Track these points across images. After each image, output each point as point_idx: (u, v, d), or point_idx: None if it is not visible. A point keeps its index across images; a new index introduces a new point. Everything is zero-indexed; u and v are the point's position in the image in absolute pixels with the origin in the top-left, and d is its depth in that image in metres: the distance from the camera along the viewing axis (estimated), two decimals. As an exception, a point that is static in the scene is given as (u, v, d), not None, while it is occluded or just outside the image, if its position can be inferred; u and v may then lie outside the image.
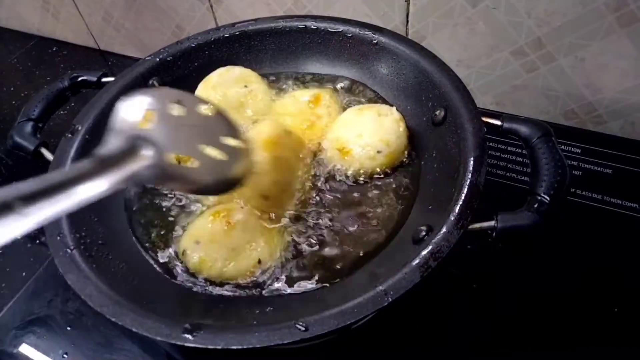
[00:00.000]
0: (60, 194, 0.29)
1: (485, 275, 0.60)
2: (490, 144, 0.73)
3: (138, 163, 0.35)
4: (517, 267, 0.60)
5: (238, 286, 0.49)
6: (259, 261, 0.49)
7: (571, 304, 0.56)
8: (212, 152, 0.41)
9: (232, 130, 0.44)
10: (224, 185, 0.42)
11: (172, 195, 0.57)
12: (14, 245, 0.70)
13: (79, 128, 0.56)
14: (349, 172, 0.56)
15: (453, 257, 0.59)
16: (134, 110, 0.37)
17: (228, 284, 0.49)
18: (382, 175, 0.56)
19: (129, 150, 0.35)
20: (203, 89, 0.64)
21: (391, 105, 0.61)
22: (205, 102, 0.43)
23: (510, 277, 0.59)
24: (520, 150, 0.73)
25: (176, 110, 0.40)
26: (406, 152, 0.58)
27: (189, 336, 0.39)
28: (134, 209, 0.56)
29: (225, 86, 0.63)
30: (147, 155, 0.35)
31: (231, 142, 0.43)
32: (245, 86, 0.63)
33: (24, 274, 0.68)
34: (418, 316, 0.56)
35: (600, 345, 0.53)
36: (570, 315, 0.55)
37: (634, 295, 0.56)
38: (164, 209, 0.56)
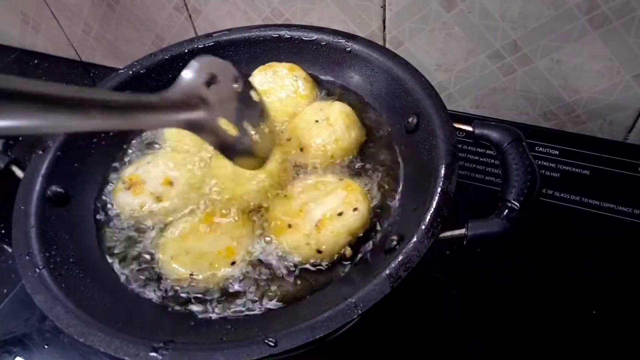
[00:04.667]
0: (122, 113, 0.32)
1: (466, 279, 0.60)
2: (468, 147, 0.72)
3: (194, 114, 0.41)
4: (496, 270, 0.60)
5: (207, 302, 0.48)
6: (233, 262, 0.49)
7: (550, 306, 0.56)
8: (250, 129, 0.48)
9: (267, 119, 0.52)
10: (246, 160, 0.49)
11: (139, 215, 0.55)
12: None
13: (50, 144, 0.55)
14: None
15: (434, 261, 0.60)
16: (201, 70, 0.43)
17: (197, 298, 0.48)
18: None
19: (189, 102, 0.41)
20: None
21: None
22: (255, 89, 0.51)
23: (489, 280, 0.59)
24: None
25: (233, 84, 0.47)
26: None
27: (157, 355, 0.39)
28: (105, 226, 0.55)
29: None
30: (202, 112, 0.42)
31: (265, 128, 0.51)
32: None
33: (4, 290, 0.67)
34: (401, 320, 0.56)
35: (580, 348, 0.53)
36: (549, 318, 0.55)
37: (612, 297, 0.56)
38: (133, 228, 0.54)
